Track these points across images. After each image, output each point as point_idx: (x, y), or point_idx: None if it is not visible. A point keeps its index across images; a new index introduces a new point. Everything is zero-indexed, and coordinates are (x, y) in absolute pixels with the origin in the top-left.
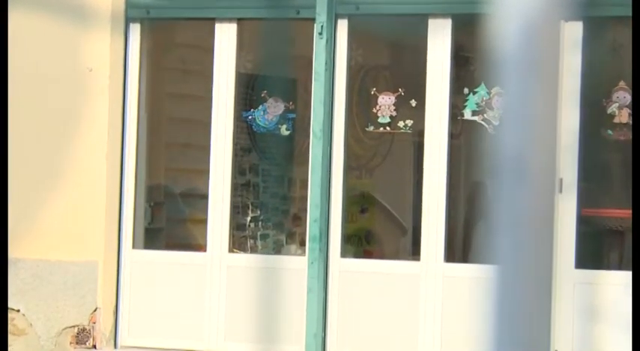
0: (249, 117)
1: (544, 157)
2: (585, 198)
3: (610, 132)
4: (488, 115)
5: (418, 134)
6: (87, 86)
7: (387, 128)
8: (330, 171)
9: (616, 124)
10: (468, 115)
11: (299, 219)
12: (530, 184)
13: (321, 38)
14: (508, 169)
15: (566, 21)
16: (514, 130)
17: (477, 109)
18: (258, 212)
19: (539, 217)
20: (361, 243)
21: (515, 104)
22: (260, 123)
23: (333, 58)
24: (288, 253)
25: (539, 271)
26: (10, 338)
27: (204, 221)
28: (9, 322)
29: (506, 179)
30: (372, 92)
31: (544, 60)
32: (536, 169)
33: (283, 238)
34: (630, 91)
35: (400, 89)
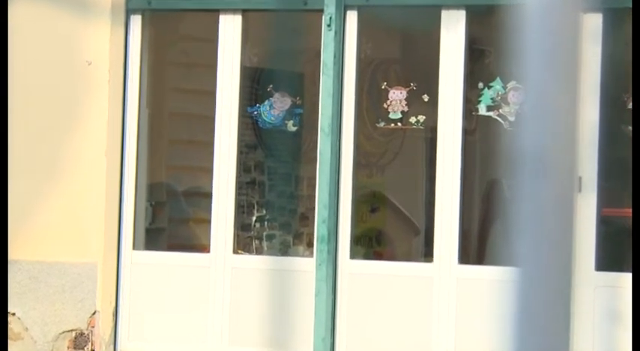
0: (255, 112)
1: (565, 153)
2: (605, 197)
3: (631, 128)
4: (504, 110)
5: (431, 130)
6: (86, 80)
7: (399, 124)
8: (339, 169)
9: None
10: (482, 110)
11: (307, 219)
12: (551, 182)
13: (330, 30)
14: (528, 166)
15: (585, 12)
16: (534, 125)
17: (493, 105)
18: (264, 212)
19: (560, 216)
20: (371, 244)
21: (535, 99)
22: (266, 118)
23: (342, 51)
24: (295, 255)
25: (559, 273)
26: None
27: (207, 221)
28: None
29: (525, 177)
30: (383, 87)
31: (564, 52)
32: (557, 167)
33: (290, 238)
34: None
35: (412, 84)
